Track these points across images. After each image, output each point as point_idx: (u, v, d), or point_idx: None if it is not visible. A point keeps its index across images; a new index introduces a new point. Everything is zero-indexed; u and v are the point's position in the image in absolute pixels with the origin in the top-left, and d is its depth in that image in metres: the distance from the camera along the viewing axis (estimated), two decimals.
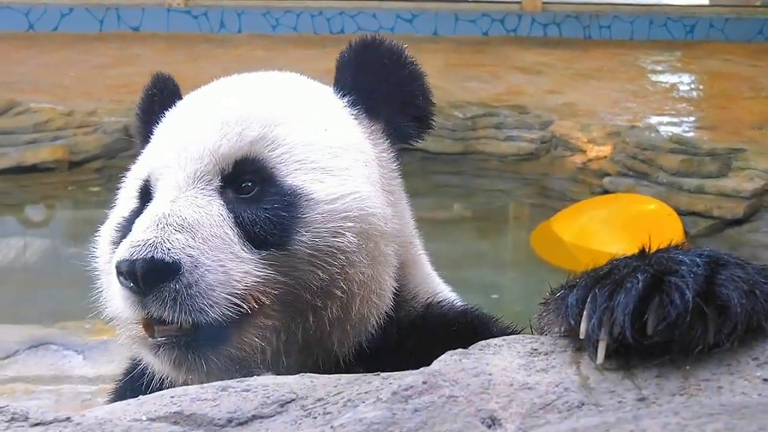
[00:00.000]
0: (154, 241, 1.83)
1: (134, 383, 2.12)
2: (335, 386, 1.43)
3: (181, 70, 12.52)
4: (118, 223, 2.16)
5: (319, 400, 1.40)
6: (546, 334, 1.56)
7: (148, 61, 13.35)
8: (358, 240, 1.99)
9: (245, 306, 1.88)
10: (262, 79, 2.30)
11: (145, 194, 2.09)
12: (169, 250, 1.82)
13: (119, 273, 1.85)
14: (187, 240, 1.86)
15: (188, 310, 1.84)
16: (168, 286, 1.83)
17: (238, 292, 1.88)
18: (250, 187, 2.01)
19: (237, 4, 16.36)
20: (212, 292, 1.85)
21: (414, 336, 2.14)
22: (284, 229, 1.95)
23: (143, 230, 1.87)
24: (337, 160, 2.08)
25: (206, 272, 1.86)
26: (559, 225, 8.49)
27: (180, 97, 2.36)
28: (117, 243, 2.04)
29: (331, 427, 1.29)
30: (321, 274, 1.95)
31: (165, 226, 1.87)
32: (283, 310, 1.94)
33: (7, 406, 1.38)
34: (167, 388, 1.55)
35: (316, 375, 1.48)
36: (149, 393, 1.50)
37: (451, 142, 10.03)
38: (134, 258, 1.81)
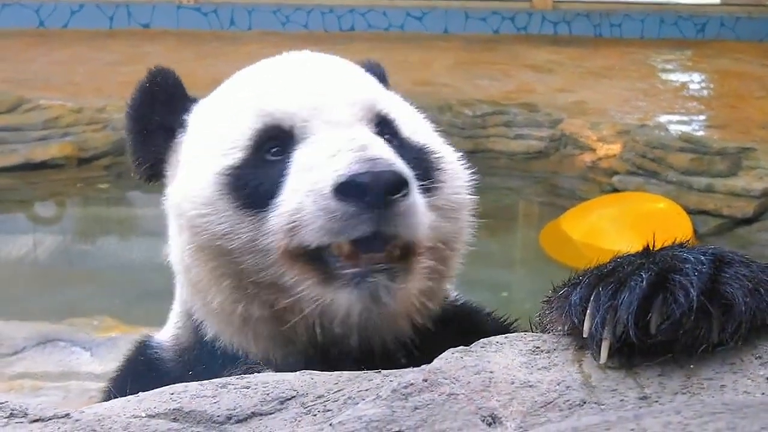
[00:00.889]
0: (386, 157, 1.82)
1: (139, 377, 2.10)
2: (335, 383, 1.43)
3: (191, 67, 12.54)
4: (227, 172, 2.01)
5: (319, 397, 1.39)
6: (549, 332, 1.55)
7: (158, 58, 13.34)
8: (470, 200, 2.11)
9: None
10: (328, 55, 2.33)
11: (276, 139, 2.02)
12: (400, 166, 1.83)
13: (349, 188, 1.77)
14: (398, 159, 1.87)
15: (412, 227, 1.83)
16: (402, 200, 1.80)
17: (431, 219, 1.93)
18: (390, 139, 2.04)
19: (247, 2, 16.37)
20: (421, 211, 1.88)
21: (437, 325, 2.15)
22: (431, 177, 2.02)
23: (358, 150, 1.83)
24: (431, 131, 2.24)
25: (415, 193, 1.87)
26: (569, 223, 8.47)
27: (182, 87, 2.32)
28: (236, 189, 1.97)
29: (331, 424, 1.29)
30: (450, 225, 2.03)
31: (378, 147, 1.87)
32: (428, 255, 1.96)
33: (7, 402, 1.38)
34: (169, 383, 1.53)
35: (316, 372, 1.47)
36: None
37: (461, 140, 9.99)
38: (377, 170, 1.77)
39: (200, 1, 16.28)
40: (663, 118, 10.57)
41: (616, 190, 9.20)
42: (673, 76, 13.80)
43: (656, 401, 1.30)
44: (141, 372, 2.17)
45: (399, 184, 1.78)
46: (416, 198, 1.86)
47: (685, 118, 10.72)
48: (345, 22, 16.29)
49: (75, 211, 9.94)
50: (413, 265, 1.89)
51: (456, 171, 2.11)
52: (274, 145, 2.01)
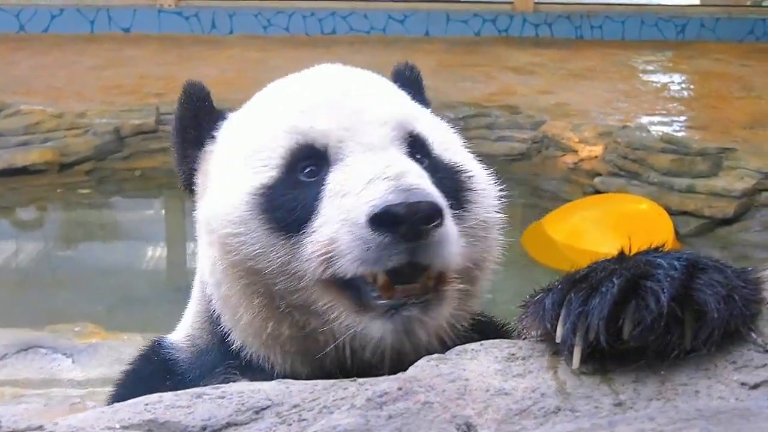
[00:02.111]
0: (422, 187, 1.80)
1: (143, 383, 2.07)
2: (311, 392, 1.42)
3: (173, 71, 12.52)
4: (260, 192, 2.00)
5: (294, 406, 1.39)
6: (524, 338, 1.55)
7: (139, 62, 13.34)
8: (500, 218, 2.11)
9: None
10: (358, 69, 2.31)
11: (310, 160, 2.00)
12: (435, 196, 1.81)
13: (384, 219, 1.75)
14: (433, 188, 1.86)
15: (447, 256, 1.81)
16: (437, 230, 1.78)
17: (462, 244, 1.91)
18: (422, 159, 2.03)
19: (228, 5, 16.34)
20: (455, 240, 1.86)
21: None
22: (461, 199, 2.01)
23: (394, 179, 1.81)
24: (462, 147, 2.23)
25: (449, 221, 1.85)
26: (551, 225, 8.48)
27: (211, 101, 2.32)
28: (269, 210, 1.95)
29: None
30: (480, 245, 2.02)
31: (413, 175, 1.85)
32: (458, 278, 1.95)
33: None
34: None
35: (292, 381, 1.47)
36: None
37: None
38: (412, 200, 1.75)
39: (181, 4, 16.24)
40: (644, 120, 10.62)
41: (598, 192, 9.22)
42: (653, 77, 13.85)
43: (631, 407, 1.30)
44: (154, 372, 2.16)
45: (433, 214, 1.77)
46: (449, 226, 1.84)
47: (666, 119, 10.76)
48: (326, 26, 16.28)
49: (56, 217, 9.89)
50: (446, 292, 1.87)
51: (486, 189, 2.10)
52: (307, 165, 1.99)
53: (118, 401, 1.53)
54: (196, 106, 2.29)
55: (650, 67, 14.45)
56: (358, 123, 1.99)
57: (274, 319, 1.96)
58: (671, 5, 17.60)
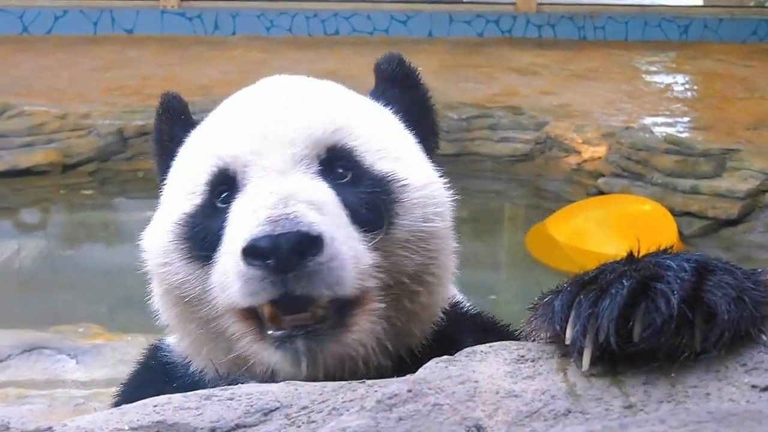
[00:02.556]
0: (294, 216, 1.77)
1: (147, 388, 2.09)
2: (320, 394, 1.42)
3: (175, 72, 12.52)
4: (180, 219, 2.04)
5: (303, 408, 1.38)
6: (534, 340, 1.54)
7: (142, 63, 13.35)
8: (446, 226, 2.06)
9: (367, 284, 1.87)
10: (310, 80, 2.30)
11: (221, 184, 2.01)
12: (312, 223, 1.77)
13: (253, 253, 1.75)
14: (317, 215, 1.82)
15: (330, 285, 1.78)
16: (312, 260, 1.75)
17: (365, 267, 1.87)
18: (344, 174, 2.00)
19: (231, 6, 16.34)
20: (347, 266, 1.82)
21: (448, 333, 2.14)
22: (385, 213, 1.96)
23: (270, 207, 1.80)
24: (409, 152, 2.15)
25: (340, 246, 1.82)
26: (554, 226, 8.47)
27: (188, 113, 2.33)
28: (187, 239, 1.99)
29: None
30: (416, 258, 1.97)
31: (296, 202, 1.82)
32: (384, 295, 1.93)
33: None
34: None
35: (300, 383, 1.46)
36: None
37: (446, 144, 9.99)
38: (277, 233, 1.73)
39: (184, 6, 16.24)
40: (647, 120, 10.60)
41: (601, 193, 9.22)
42: (657, 78, 13.84)
43: (641, 410, 1.30)
44: (153, 376, 2.17)
45: (305, 244, 1.75)
46: (339, 252, 1.80)
47: (669, 120, 10.75)
48: (329, 26, 16.28)
49: (59, 218, 9.89)
50: (354, 317, 1.86)
51: (424, 198, 2.03)
52: (223, 191, 2.01)
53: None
54: (173, 118, 2.30)
55: (653, 68, 14.44)
56: (265, 146, 1.98)
57: (208, 344, 2.01)
58: (674, 6, 17.58)
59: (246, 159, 1.97)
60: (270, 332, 1.83)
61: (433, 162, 2.29)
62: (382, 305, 1.91)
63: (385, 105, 2.28)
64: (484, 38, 16.28)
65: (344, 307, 1.85)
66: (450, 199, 2.11)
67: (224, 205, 1.98)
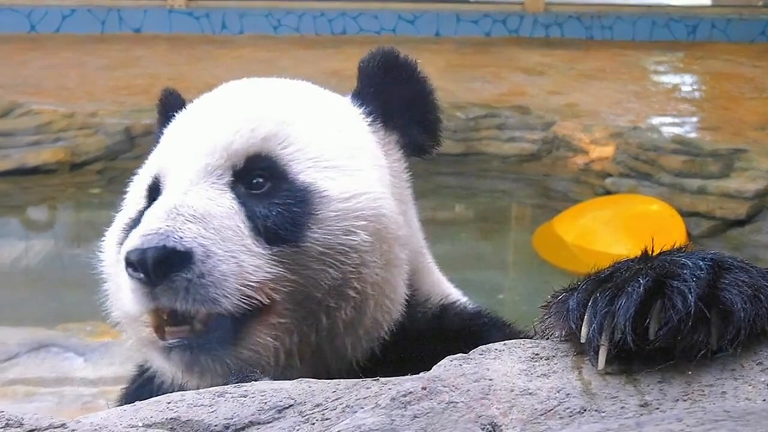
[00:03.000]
0: (165, 230, 1.79)
1: (143, 389, 2.11)
2: (334, 392, 1.42)
3: (183, 71, 12.53)
4: (125, 224, 2.11)
5: (317, 405, 1.38)
6: (547, 338, 1.54)
7: (150, 62, 13.36)
8: (372, 239, 1.97)
9: (257, 299, 1.85)
10: (273, 83, 2.29)
11: (154, 192, 2.05)
12: (181, 238, 1.79)
13: (128, 264, 1.81)
14: (198, 230, 1.82)
15: (200, 300, 1.80)
16: (180, 275, 1.79)
17: (251, 284, 1.85)
18: (261, 183, 1.99)
19: (239, 5, 16.35)
20: (225, 282, 1.82)
21: (431, 337, 2.11)
22: (296, 225, 1.93)
23: (154, 220, 1.83)
24: (350, 160, 2.08)
25: (219, 262, 1.82)
26: (561, 226, 8.47)
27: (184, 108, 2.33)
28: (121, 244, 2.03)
29: None
30: (333, 272, 1.93)
31: (176, 216, 1.83)
32: (295, 309, 1.91)
33: (3, 412, 1.37)
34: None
35: (314, 380, 1.46)
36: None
37: (453, 143, 10.00)
38: (145, 247, 1.77)
39: (192, 5, 16.25)
40: (655, 120, 10.58)
41: (608, 193, 9.21)
42: (664, 78, 13.82)
43: (657, 408, 1.29)
44: (151, 379, 2.18)
45: (171, 261, 1.78)
46: (214, 266, 1.81)
47: (677, 120, 10.73)
48: (336, 26, 16.27)
49: (67, 216, 9.92)
50: (247, 331, 1.87)
51: (345, 211, 1.96)
52: (155, 199, 2.03)
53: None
54: (168, 115, 2.31)
55: (661, 68, 14.41)
56: (184, 156, 2.01)
57: (140, 348, 2.09)
58: (682, 6, 17.53)
59: (166, 168, 2.03)
60: (158, 342, 1.90)
61: (427, 159, 2.28)
62: (286, 320, 1.90)
63: (361, 105, 2.24)
64: (492, 38, 16.25)
65: (239, 321, 1.86)
66: (387, 210, 2.03)
67: None
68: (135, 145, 10.03)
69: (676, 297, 1.35)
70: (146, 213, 1.93)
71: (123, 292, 1.92)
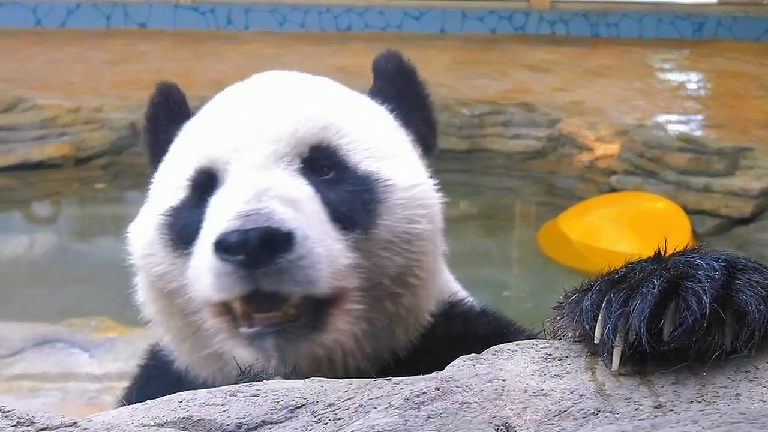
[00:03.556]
0: (266, 211, 1.77)
1: (152, 386, 2.09)
2: (346, 391, 1.41)
3: (188, 66, 12.53)
4: (167, 213, 2.05)
5: (329, 405, 1.37)
6: (560, 339, 1.53)
7: (155, 57, 13.36)
8: (431, 228, 2.03)
9: (344, 284, 1.86)
10: (304, 76, 2.29)
11: (206, 181, 2.02)
12: (283, 220, 1.77)
13: (223, 247, 1.76)
14: (292, 212, 1.81)
15: (301, 282, 1.78)
16: (282, 256, 1.76)
17: (341, 267, 1.86)
18: (327, 171, 2.00)
19: (244, 1, 16.34)
20: (320, 265, 1.81)
21: (441, 334, 2.12)
22: (368, 213, 1.95)
23: (244, 202, 1.80)
24: (399, 152, 2.13)
25: (314, 244, 1.81)
26: (567, 223, 8.47)
27: (186, 105, 2.33)
28: (170, 231, 2.00)
29: None
30: (399, 259, 1.96)
31: (269, 197, 1.81)
32: (365, 296, 1.92)
33: (14, 410, 1.36)
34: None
35: (326, 379, 1.45)
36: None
37: (458, 140, 10.00)
38: (247, 228, 1.74)
39: (197, 0, 16.25)
40: (661, 118, 10.57)
41: (614, 190, 9.21)
42: (670, 76, 13.79)
43: (671, 410, 1.29)
44: (154, 376, 2.17)
45: (275, 240, 1.75)
46: (311, 249, 1.80)
47: (682, 118, 10.72)
48: (342, 22, 16.27)
49: (72, 211, 9.93)
50: (330, 317, 1.86)
51: (409, 199, 2.01)
52: (206, 186, 2.01)
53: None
54: (169, 108, 2.30)
55: (667, 66, 14.39)
56: (247, 143, 1.98)
57: (189, 339, 2.01)
58: (688, 3, 17.49)
59: (227, 156, 1.98)
60: (242, 329, 1.84)
61: (430, 161, 2.29)
62: (361, 306, 1.91)
63: (382, 103, 2.26)
64: (497, 34, 16.24)
65: (320, 307, 1.85)
66: (438, 201, 2.09)
67: (206, 200, 1.99)
68: (140, 140, 10.02)
69: (691, 298, 1.34)
70: (220, 197, 1.91)
71: (205, 276, 1.85)
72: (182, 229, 1.98)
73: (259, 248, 1.74)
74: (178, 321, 2.02)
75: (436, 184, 2.14)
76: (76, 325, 6.04)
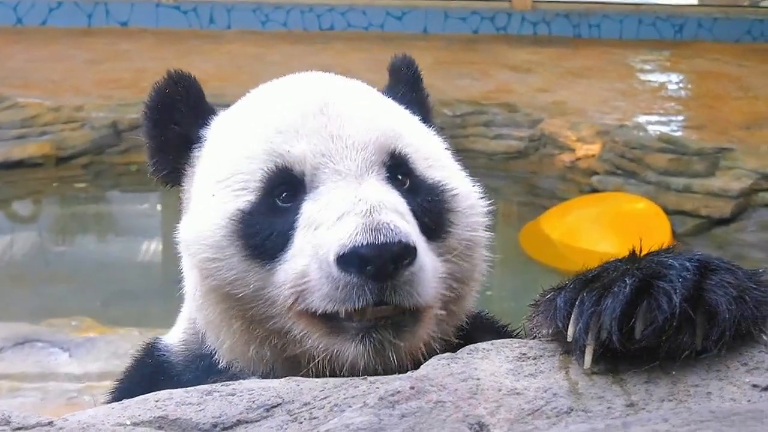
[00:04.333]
0: (393, 225, 1.76)
1: (143, 385, 2.06)
2: (322, 390, 1.42)
3: (171, 66, 12.36)
4: (237, 216, 1.97)
5: (305, 404, 1.38)
6: (535, 336, 1.55)
7: (136, 56, 13.31)
8: (486, 235, 2.07)
9: (442, 292, 1.89)
10: (344, 79, 2.24)
11: (286, 185, 1.96)
12: (408, 234, 1.77)
13: (353, 260, 1.74)
14: (407, 225, 1.82)
15: (418, 292, 1.79)
16: (408, 269, 1.76)
17: (440, 275, 1.89)
18: (403, 180, 2.00)
19: (227, 0, 16.31)
20: (430, 275, 1.84)
21: (467, 334, 2.15)
22: (443, 221, 1.98)
23: (364, 215, 1.78)
24: (449, 159, 2.16)
25: (424, 256, 1.83)
26: (548, 223, 8.50)
27: (202, 99, 2.24)
28: (245, 236, 1.94)
29: None
30: (465, 265, 1.99)
31: (387, 211, 1.80)
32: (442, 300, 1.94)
33: None
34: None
35: (302, 379, 1.46)
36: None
37: None
38: (380, 242, 1.73)
39: None
40: (641, 119, 10.62)
41: (595, 190, 9.25)
42: (651, 77, 13.86)
43: (643, 408, 1.30)
44: (149, 376, 2.14)
45: (402, 254, 1.75)
46: (424, 261, 1.82)
47: (663, 119, 10.78)
48: (324, 21, 16.25)
49: (53, 210, 9.88)
50: (423, 314, 1.86)
51: (471, 207, 2.06)
52: (284, 190, 1.96)
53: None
54: (184, 99, 2.20)
55: (648, 67, 14.46)
56: (335, 148, 1.95)
57: (254, 343, 1.96)
58: (669, 5, 17.58)
59: (315, 161, 1.94)
60: (353, 324, 1.81)
61: None
62: (443, 311, 1.92)
63: (405, 108, 2.25)
64: (479, 35, 16.27)
65: (419, 311, 1.86)
66: (485, 208, 2.11)
67: (287, 205, 1.94)
68: (121, 139, 9.99)
69: (662, 298, 1.36)
70: (321, 206, 1.88)
71: (317, 288, 1.81)
72: (267, 237, 1.93)
73: (390, 261, 1.74)
74: (242, 325, 1.97)
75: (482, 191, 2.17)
76: (56, 325, 6.01)
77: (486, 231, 2.08)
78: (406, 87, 2.31)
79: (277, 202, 1.96)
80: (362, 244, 1.73)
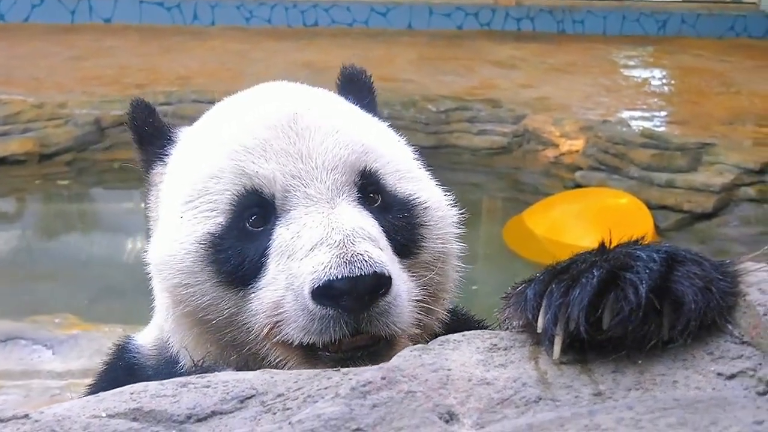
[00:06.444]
0: (367, 256, 1.74)
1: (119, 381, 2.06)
2: (295, 382, 1.43)
3: (155, 62, 12.47)
4: (206, 240, 1.94)
5: (279, 395, 1.40)
6: (506, 328, 1.57)
7: (120, 53, 13.28)
8: (457, 246, 2.09)
9: (417, 317, 1.90)
10: (311, 90, 2.22)
11: (256, 208, 1.93)
12: (382, 264, 1.76)
13: (326, 293, 1.73)
14: (380, 252, 1.81)
15: (393, 321, 1.80)
16: (382, 299, 1.77)
17: (415, 298, 1.90)
18: (374, 198, 1.98)
19: None
20: (404, 301, 1.84)
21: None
22: (415, 237, 1.99)
23: (338, 246, 1.77)
24: (418, 170, 2.14)
25: (398, 283, 1.83)
26: (532, 219, 8.53)
27: (157, 122, 2.24)
28: (216, 262, 1.91)
29: (290, 423, 1.30)
30: (437, 278, 2.00)
31: (360, 239, 1.79)
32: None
33: None
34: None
35: (276, 371, 1.48)
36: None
37: (424, 136, 10.04)
38: (356, 274, 1.72)
39: None
40: (625, 114, 10.68)
41: (578, 186, 9.29)
42: (635, 72, 13.93)
43: (610, 397, 1.33)
44: (120, 377, 2.14)
45: (379, 285, 1.75)
46: (399, 289, 1.82)
47: (646, 114, 10.84)
48: (308, 18, 16.26)
49: (36, 208, 9.85)
50: (398, 342, 1.86)
51: (442, 219, 2.06)
52: (254, 213, 1.93)
53: None
54: (142, 126, 2.22)
55: (631, 62, 14.53)
56: (304, 169, 1.92)
57: (231, 365, 1.94)
58: (653, 1, 17.67)
59: (285, 182, 1.91)
60: (328, 354, 1.82)
61: None
62: (419, 330, 1.92)
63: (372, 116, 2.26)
64: (464, 31, 16.32)
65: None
66: (455, 219, 2.11)
67: (258, 229, 1.92)
68: (104, 136, 9.98)
69: (629, 289, 1.38)
70: (292, 233, 1.85)
71: (292, 320, 1.81)
72: (236, 262, 1.90)
73: (366, 294, 1.74)
74: (217, 350, 1.97)
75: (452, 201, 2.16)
76: (39, 322, 5.99)
77: (457, 242, 2.09)
78: (356, 94, 2.29)
79: (247, 226, 1.94)
80: (337, 277, 1.72)
